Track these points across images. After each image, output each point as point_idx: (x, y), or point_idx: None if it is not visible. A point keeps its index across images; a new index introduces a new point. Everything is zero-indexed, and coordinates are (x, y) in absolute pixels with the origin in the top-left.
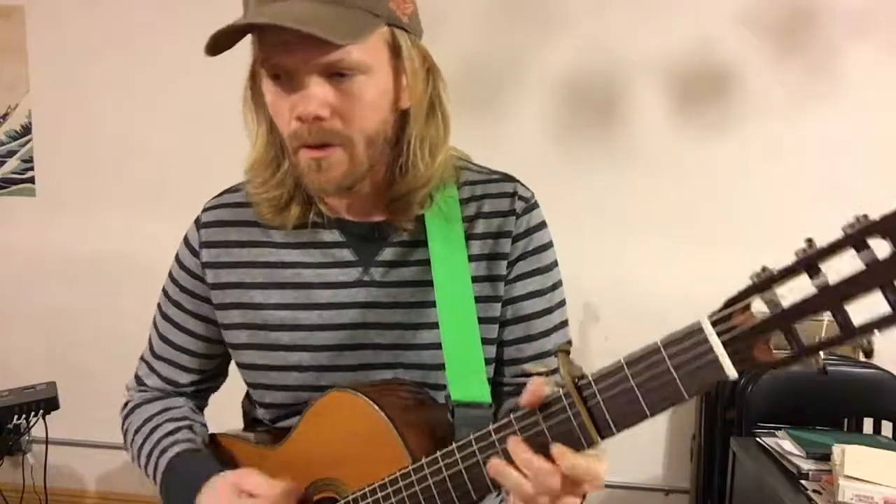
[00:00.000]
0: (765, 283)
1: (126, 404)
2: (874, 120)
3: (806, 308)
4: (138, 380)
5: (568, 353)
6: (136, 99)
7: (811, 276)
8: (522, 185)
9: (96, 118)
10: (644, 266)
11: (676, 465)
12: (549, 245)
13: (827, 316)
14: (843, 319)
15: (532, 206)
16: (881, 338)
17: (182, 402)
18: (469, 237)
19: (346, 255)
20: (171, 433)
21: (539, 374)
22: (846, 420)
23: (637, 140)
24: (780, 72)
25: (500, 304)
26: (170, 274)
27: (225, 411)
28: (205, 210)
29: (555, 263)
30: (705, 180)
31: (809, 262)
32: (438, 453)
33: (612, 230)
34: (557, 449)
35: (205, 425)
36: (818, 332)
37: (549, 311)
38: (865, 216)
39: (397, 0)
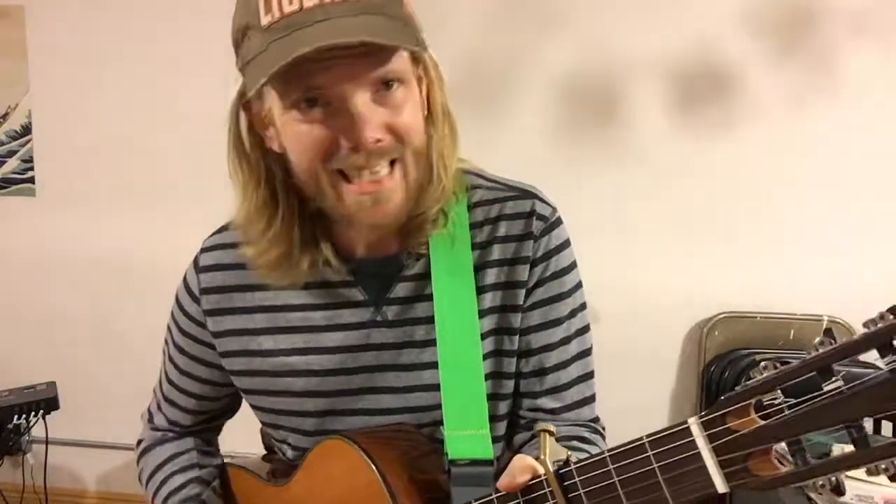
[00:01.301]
0: (769, 382)
1: (139, 442)
2: (874, 120)
3: (816, 419)
4: (150, 415)
5: (552, 433)
6: (136, 99)
7: (824, 380)
8: (542, 200)
9: (96, 118)
10: (644, 266)
11: None
12: (569, 268)
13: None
14: (859, 436)
15: (552, 224)
16: None
17: (191, 444)
18: (484, 265)
19: (356, 294)
20: (179, 489)
21: (547, 431)
22: None
23: (637, 140)
24: (780, 72)
25: (517, 336)
26: (172, 314)
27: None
28: (203, 251)
29: (576, 287)
30: (706, 180)
31: (823, 362)
32: None
33: (612, 230)
34: None
35: (216, 464)
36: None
37: (566, 340)
38: (893, 310)
39: (411, 5)
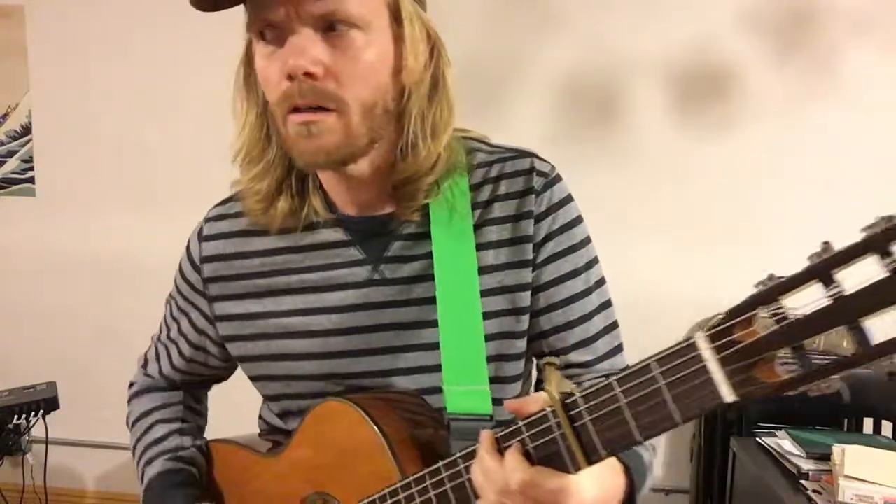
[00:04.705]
0: (771, 292)
1: (132, 385)
2: (874, 120)
3: (818, 322)
4: (145, 360)
5: (557, 367)
6: (136, 99)
7: (825, 286)
8: (540, 158)
9: (96, 118)
10: (643, 266)
11: (676, 465)
12: (577, 221)
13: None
14: (860, 337)
15: (552, 180)
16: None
17: (179, 398)
18: (485, 223)
19: (353, 253)
20: (159, 440)
21: (552, 364)
22: (846, 420)
23: (637, 140)
24: (780, 72)
25: (529, 293)
26: (175, 278)
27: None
28: (207, 220)
29: (587, 240)
30: (705, 180)
31: (823, 269)
32: (426, 471)
33: (611, 231)
34: (511, 458)
35: (200, 424)
36: (839, 343)
37: (586, 292)
38: (890, 217)
39: None
